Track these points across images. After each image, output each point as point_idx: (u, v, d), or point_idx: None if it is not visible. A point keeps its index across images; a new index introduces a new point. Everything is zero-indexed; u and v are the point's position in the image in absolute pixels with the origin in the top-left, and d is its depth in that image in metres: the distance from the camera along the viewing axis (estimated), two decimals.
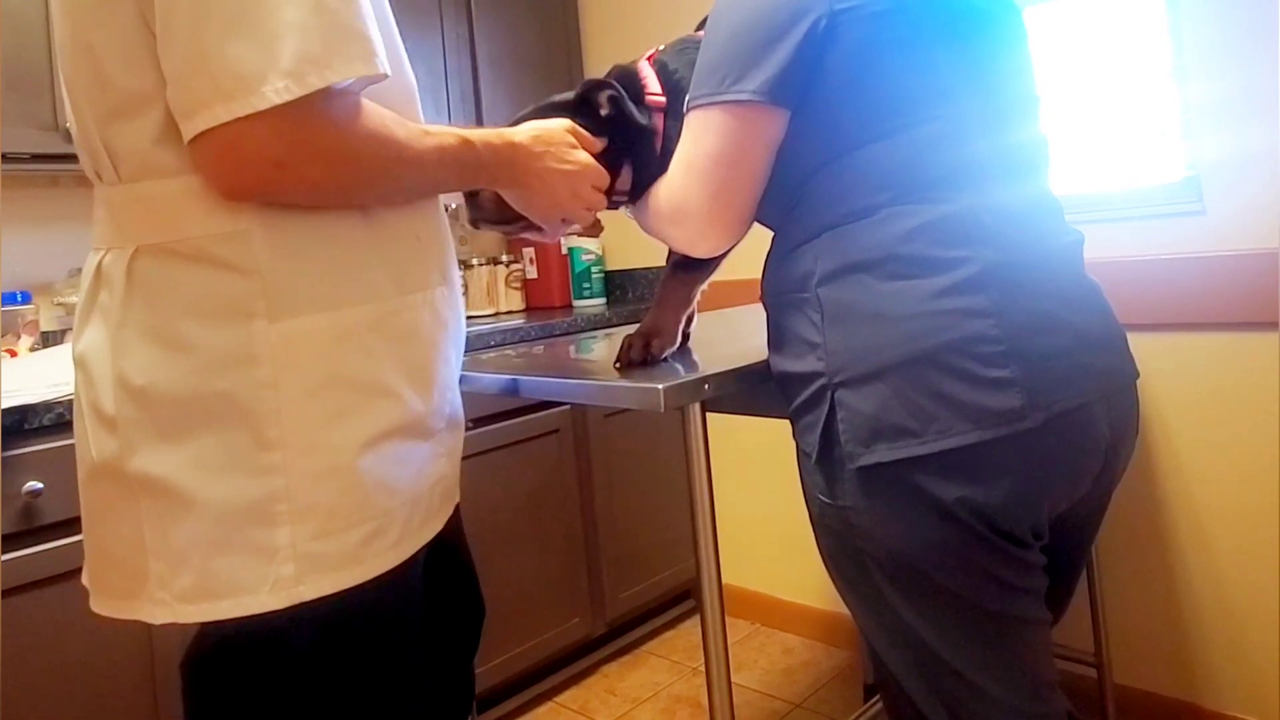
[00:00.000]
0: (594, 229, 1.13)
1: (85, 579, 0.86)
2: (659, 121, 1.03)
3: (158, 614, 0.76)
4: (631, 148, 1.03)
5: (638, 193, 1.06)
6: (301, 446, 0.76)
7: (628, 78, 1.04)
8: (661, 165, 0.99)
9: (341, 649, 0.82)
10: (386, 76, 0.75)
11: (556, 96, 1.06)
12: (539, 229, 1.05)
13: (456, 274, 0.98)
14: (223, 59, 0.67)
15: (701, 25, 1.05)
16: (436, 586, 1.00)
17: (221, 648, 0.82)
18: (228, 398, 0.74)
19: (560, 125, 0.98)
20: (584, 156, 0.98)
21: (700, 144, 0.90)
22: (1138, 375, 0.95)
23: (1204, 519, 1.58)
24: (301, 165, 0.73)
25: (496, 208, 1.01)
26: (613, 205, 1.07)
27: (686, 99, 0.92)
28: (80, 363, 0.80)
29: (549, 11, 2.54)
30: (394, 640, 0.87)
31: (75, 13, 0.75)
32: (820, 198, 0.90)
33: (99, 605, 0.82)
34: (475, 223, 1.05)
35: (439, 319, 0.89)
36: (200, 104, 0.68)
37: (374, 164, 0.78)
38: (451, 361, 0.93)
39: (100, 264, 0.78)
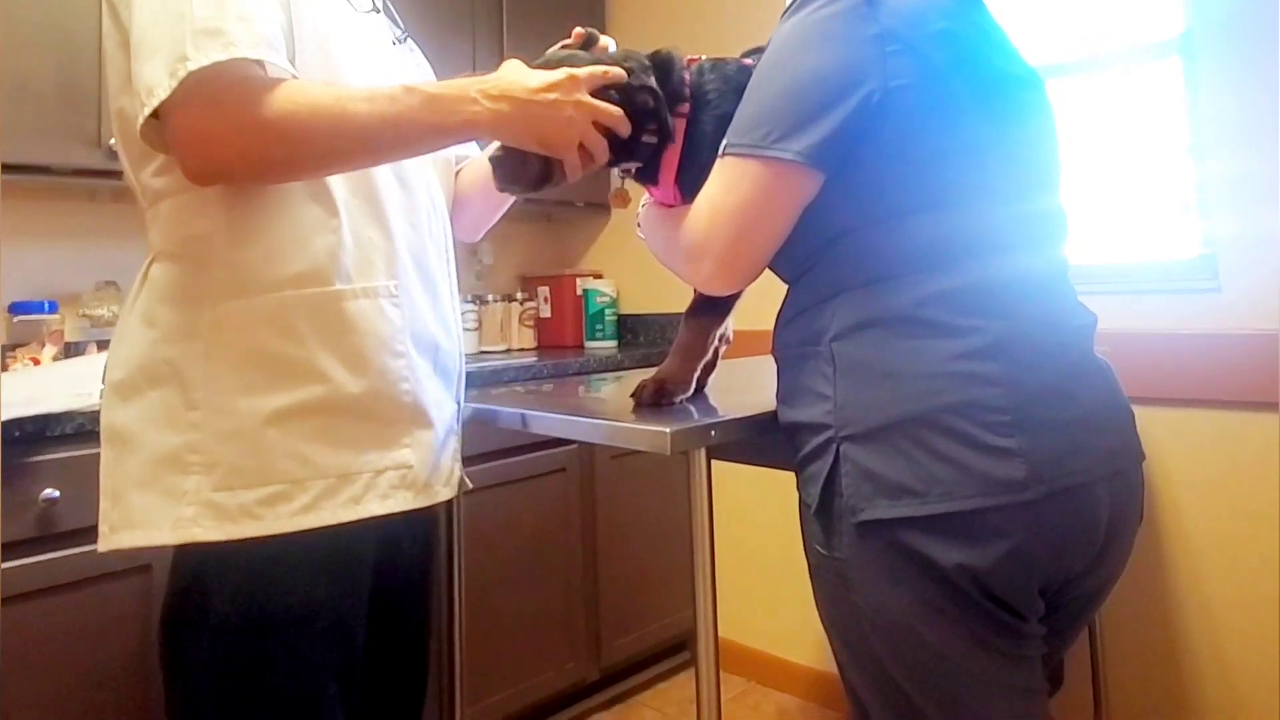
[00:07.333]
0: (620, 200, 1.13)
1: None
2: (679, 128, 1.03)
3: (100, 544, 0.92)
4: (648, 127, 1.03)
5: (646, 174, 1.07)
6: (216, 408, 0.89)
7: (672, 86, 1.03)
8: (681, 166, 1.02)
9: (262, 616, 0.90)
10: (254, 60, 0.86)
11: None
12: (563, 175, 1.03)
13: (437, 282, 1.08)
14: (140, 79, 0.86)
15: (749, 54, 1.07)
16: (382, 619, 1.06)
17: (170, 602, 0.94)
18: (171, 364, 0.91)
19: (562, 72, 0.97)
20: (588, 96, 0.97)
21: (732, 192, 0.91)
22: (1144, 457, 0.95)
23: (1211, 599, 1.56)
24: (226, 138, 0.86)
25: (518, 169, 1.02)
26: (620, 159, 1.05)
27: (724, 143, 0.93)
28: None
29: (579, 23, 2.57)
30: (313, 622, 0.93)
31: (112, 86, 0.96)
32: (845, 260, 0.91)
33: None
34: (503, 188, 1.05)
35: (384, 315, 0.98)
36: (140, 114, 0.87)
37: (299, 126, 0.87)
38: (409, 356, 1.00)
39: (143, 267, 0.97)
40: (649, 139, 1.02)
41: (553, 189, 1.05)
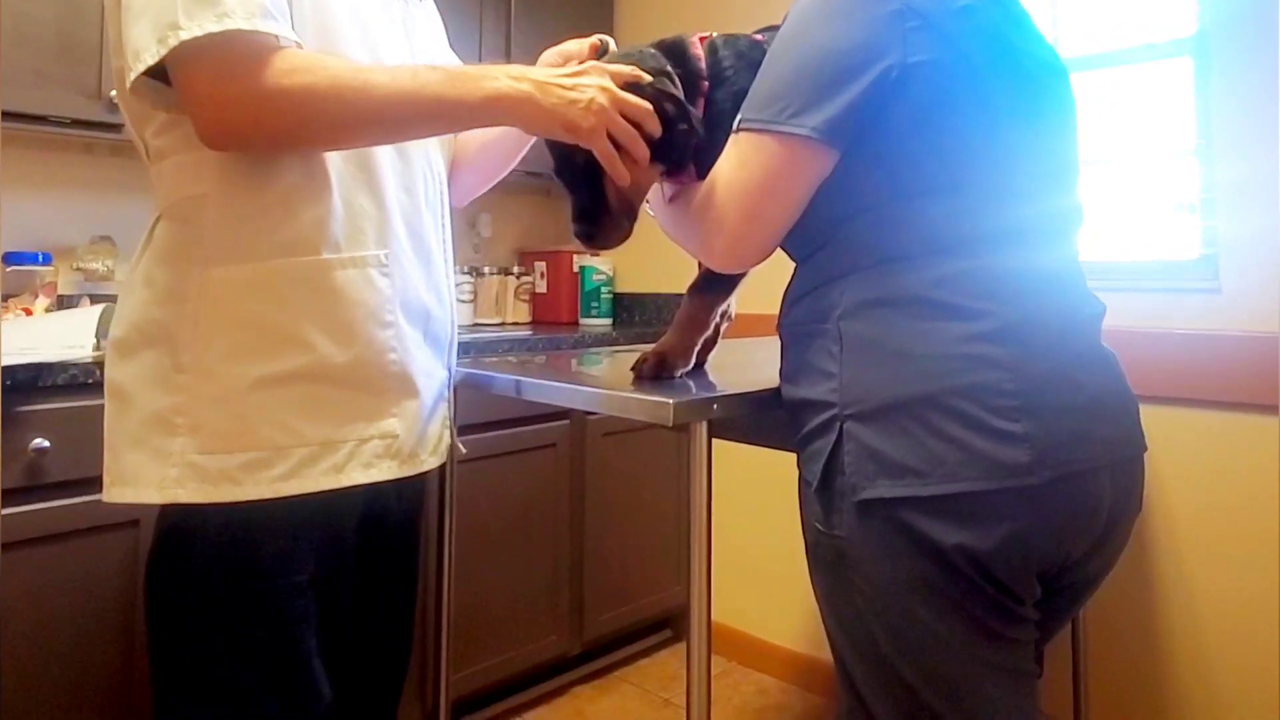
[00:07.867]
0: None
1: None
2: (698, 108, 1.01)
3: (104, 495, 0.93)
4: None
5: (670, 168, 1.03)
6: (202, 372, 0.90)
7: (688, 69, 1.02)
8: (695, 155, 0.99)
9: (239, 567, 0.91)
10: (250, 30, 0.84)
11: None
12: (635, 200, 1.01)
13: (431, 249, 1.07)
14: (128, 41, 0.87)
15: (761, 31, 1.06)
16: (368, 577, 1.06)
17: (155, 551, 0.95)
18: (163, 325, 0.92)
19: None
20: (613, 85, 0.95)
21: (746, 167, 0.90)
22: (1146, 447, 0.95)
23: (1197, 597, 1.58)
24: (241, 106, 0.85)
25: (606, 226, 1.00)
26: (658, 159, 1.00)
27: (738, 118, 0.92)
28: None
29: (586, 20, 2.55)
30: (286, 573, 0.93)
31: (114, 42, 0.94)
32: (858, 240, 0.90)
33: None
34: (601, 246, 1.03)
35: (373, 284, 0.97)
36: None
37: (318, 98, 0.86)
38: (398, 326, 1.00)
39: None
40: (683, 129, 0.99)
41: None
